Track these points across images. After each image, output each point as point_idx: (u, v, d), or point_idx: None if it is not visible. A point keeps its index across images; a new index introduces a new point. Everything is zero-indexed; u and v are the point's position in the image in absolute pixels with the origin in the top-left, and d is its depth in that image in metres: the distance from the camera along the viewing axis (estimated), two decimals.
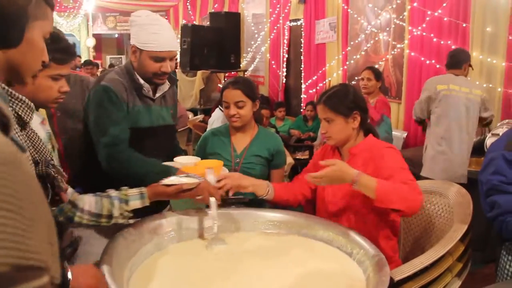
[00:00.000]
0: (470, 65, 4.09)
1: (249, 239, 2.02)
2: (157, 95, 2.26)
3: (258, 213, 2.11)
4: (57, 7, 14.47)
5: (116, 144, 2.06)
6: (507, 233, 2.05)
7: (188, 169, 2.08)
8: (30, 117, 1.19)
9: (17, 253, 0.52)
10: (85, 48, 16.18)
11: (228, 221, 2.06)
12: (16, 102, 1.13)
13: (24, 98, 1.15)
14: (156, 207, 2.01)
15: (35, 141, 1.32)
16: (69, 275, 1.21)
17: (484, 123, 4.11)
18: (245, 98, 2.43)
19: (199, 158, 2.32)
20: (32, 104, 1.19)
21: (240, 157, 2.49)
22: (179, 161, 2.24)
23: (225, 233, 2.03)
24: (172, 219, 1.99)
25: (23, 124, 1.18)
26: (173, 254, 1.86)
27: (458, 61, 4.02)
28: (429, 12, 4.93)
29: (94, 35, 16.39)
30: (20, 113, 1.15)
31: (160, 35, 2.10)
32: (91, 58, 14.20)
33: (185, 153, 3.07)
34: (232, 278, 1.70)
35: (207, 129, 3.27)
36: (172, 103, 2.39)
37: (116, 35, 17.87)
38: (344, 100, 2.13)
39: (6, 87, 1.09)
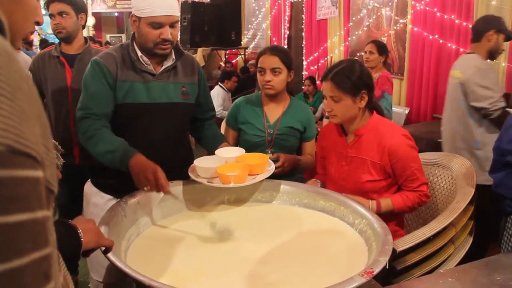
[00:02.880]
0: (498, 32, 3.19)
1: (249, 209, 2.00)
2: (161, 69, 2.14)
3: (259, 183, 2.08)
4: None
5: (86, 118, 2.01)
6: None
7: (226, 167, 1.93)
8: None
9: (13, 136, 0.50)
10: (85, 26, 16.05)
11: (228, 191, 2.04)
12: None
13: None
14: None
15: None
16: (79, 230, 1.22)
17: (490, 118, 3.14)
18: (281, 65, 2.38)
19: (243, 150, 2.09)
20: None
21: (273, 128, 2.45)
22: (221, 154, 2.04)
23: (225, 203, 2.00)
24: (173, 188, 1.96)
25: None
26: (171, 225, 1.84)
27: (476, 32, 3.28)
28: None
29: (94, 14, 16.20)
30: None
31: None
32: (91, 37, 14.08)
33: None
34: (232, 248, 1.68)
35: None
36: (187, 81, 2.22)
37: (116, 14, 17.69)
38: (351, 77, 2.05)
39: None
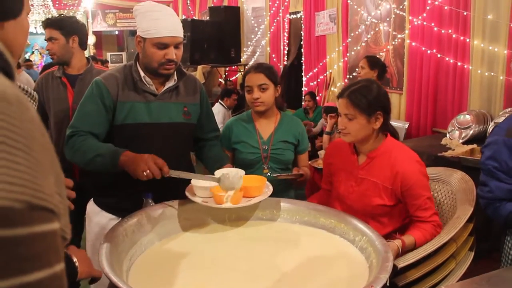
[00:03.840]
0: None
1: (250, 227, 2.01)
2: (163, 89, 2.16)
3: (260, 202, 2.08)
4: (57, 5, 14.47)
5: (73, 135, 2.03)
6: (495, 217, 2.05)
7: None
8: (34, 107, 1.16)
9: (31, 191, 0.51)
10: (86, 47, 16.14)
11: (229, 209, 2.04)
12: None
13: (26, 87, 1.12)
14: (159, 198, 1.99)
15: None
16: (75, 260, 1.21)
17: None
18: (268, 81, 2.40)
19: (243, 172, 2.05)
20: (35, 94, 1.16)
21: (267, 144, 2.47)
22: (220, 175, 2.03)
23: (226, 221, 2.01)
24: (171, 209, 1.97)
25: None
26: (174, 244, 1.84)
27: None
28: (429, 1, 4.88)
29: (94, 33, 16.33)
30: None
31: (161, 21, 2.03)
32: (91, 55, 14.18)
33: None
34: (234, 266, 1.69)
35: None
36: (189, 101, 2.24)
37: (117, 32, 17.83)
38: (368, 96, 2.04)
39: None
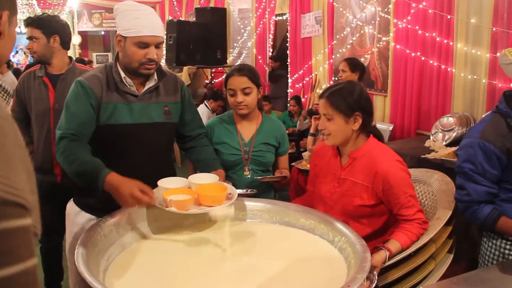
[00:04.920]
0: None
1: (231, 228, 1.99)
2: (143, 90, 2.14)
3: (240, 202, 2.07)
4: (41, 4, 14.34)
5: (64, 137, 2.00)
6: (473, 220, 2.06)
7: (173, 191, 1.90)
8: (8, 102, 1.16)
9: (4, 186, 0.51)
10: (72, 45, 16.00)
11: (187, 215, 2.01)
12: None
13: (2, 83, 1.12)
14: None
15: None
16: None
17: None
18: (251, 84, 2.39)
19: (216, 178, 2.05)
20: (9, 89, 1.16)
21: (248, 146, 2.46)
22: (193, 180, 2.01)
23: (205, 222, 1.99)
24: (151, 210, 1.94)
25: None
26: (152, 245, 1.83)
27: None
28: (413, 5, 4.91)
29: (80, 33, 16.21)
30: None
31: (142, 19, 2.01)
32: (77, 56, 14.09)
33: None
34: (212, 268, 1.67)
35: None
36: (169, 100, 2.23)
37: (102, 32, 17.72)
38: (347, 98, 2.04)
39: None
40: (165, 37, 2.17)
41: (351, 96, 2.06)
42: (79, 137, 2.02)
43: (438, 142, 4.15)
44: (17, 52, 16.52)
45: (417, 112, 5.05)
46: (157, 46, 2.07)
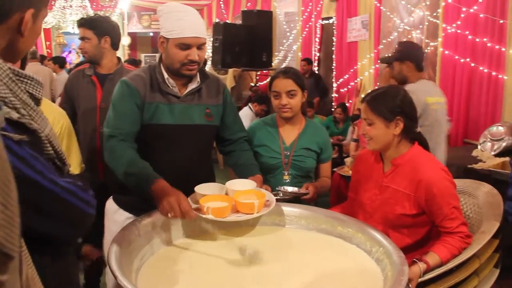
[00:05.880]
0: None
1: (267, 234, 1.97)
2: (185, 92, 2.16)
3: (278, 207, 2.04)
4: (94, 6, 14.76)
5: (113, 136, 2.03)
6: None
7: (211, 198, 1.87)
8: (41, 93, 1.18)
9: None
10: (121, 46, 16.37)
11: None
12: (26, 80, 1.12)
13: (32, 75, 1.14)
14: None
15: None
16: None
17: None
18: (296, 87, 2.37)
19: (255, 183, 2.02)
20: (40, 79, 1.18)
21: (289, 150, 2.43)
22: (230, 186, 1.98)
23: (241, 227, 1.98)
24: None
25: (37, 101, 1.17)
26: (185, 248, 1.83)
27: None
28: (464, 9, 4.77)
29: (129, 34, 16.61)
30: (31, 91, 1.13)
31: (184, 21, 2.02)
32: (126, 57, 14.42)
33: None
34: (247, 273, 1.66)
35: None
36: (211, 102, 2.22)
37: (151, 34, 18.07)
38: (388, 103, 2.00)
39: (12, 67, 1.08)
40: (207, 38, 2.17)
41: (392, 100, 2.01)
42: (127, 136, 2.05)
43: (487, 152, 4.01)
44: (70, 52, 17.07)
45: (465, 120, 4.91)
46: (199, 47, 2.07)
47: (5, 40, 1.07)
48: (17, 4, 1.05)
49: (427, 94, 3.28)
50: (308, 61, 7.96)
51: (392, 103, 2.00)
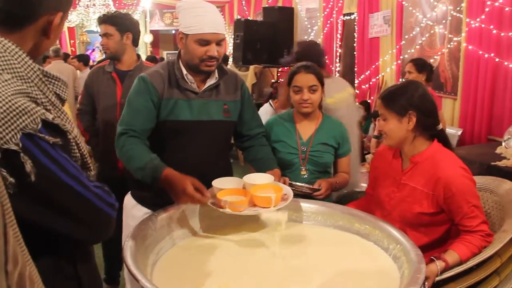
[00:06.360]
0: None
1: (283, 230, 1.96)
2: (203, 88, 2.16)
3: (295, 203, 2.03)
4: (116, 4, 14.89)
5: (124, 133, 2.04)
6: None
7: (228, 192, 1.89)
8: (66, 94, 1.20)
9: None
10: (143, 44, 16.52)
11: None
12: (53, 81, 1.13)
13: (59, 76, 1.16)
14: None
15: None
16: None
17: None
18: (317, 82, 2.37)
19: (272, 177, 2.02)
20: (65, 79, 1.19)
21: (306, 145, 2.43)
22: (247, 180, 1.98)
23: (258, 222, 1.98)
24: (203, 207, 1.94)
25: (63, 102, 1.19)
26: (202, 243, 1.83)
27: None
28: (488, 2, 4.66)
29: (152, 31, 16.72)
30: (58, 92, 1.15)
31: (203, 17, 2.03)
32: (149, 54, 14.52)
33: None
34: (259, 269, 1.65)
35: None
36: (229, 98, 2.23)
37: (173, 31, 18.16)
38: (401, 97, 1.98)
39: (41, 68, 1.10)
40: (226, 34, 2.17)
41: (404, 94, 1.98)
42: (139, 133, 2.06)
43: (511, 149, 3.92)
44: (93, 50, 17.27)
45: (489, 116, 4.80)
46: (218, 43, 2.08)
47: (32, 41, 1.10)
48: (46, 7, 1.08)
49: (335, 91, 3.22)
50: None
51: (403, 98, 1.98)
